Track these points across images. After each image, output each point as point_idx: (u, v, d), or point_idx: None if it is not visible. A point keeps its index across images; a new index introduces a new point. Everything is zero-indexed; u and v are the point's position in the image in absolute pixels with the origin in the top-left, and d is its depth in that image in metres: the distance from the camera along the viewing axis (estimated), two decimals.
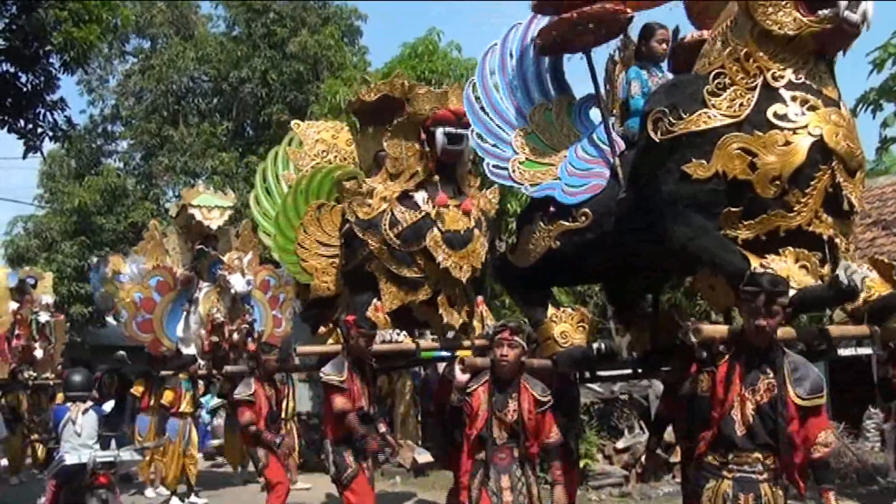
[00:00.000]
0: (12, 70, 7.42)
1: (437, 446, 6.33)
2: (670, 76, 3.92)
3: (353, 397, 4.41)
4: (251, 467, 8.87)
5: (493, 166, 3.93)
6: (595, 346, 3.92)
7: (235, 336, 7.14)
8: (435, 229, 4.56)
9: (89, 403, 5.32)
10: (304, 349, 5.23)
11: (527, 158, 3.90)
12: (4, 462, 9.99)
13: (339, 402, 4.34)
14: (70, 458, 4.93)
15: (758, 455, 2.71)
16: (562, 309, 4.06)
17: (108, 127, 18.25)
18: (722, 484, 2.73)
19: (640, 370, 4.47)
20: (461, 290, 4.77)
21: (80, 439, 5.12)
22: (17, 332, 9.77)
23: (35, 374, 9.78)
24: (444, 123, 4.54)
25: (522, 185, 3.87)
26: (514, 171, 3.88)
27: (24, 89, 7.49)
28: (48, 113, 7.63)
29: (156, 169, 16.44)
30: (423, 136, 4.63)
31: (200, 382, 7.85)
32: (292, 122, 6.23)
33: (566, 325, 3.93)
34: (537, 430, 3.56)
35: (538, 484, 3.56)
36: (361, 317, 4.51)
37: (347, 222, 4.85)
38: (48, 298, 10.49)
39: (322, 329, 5.24)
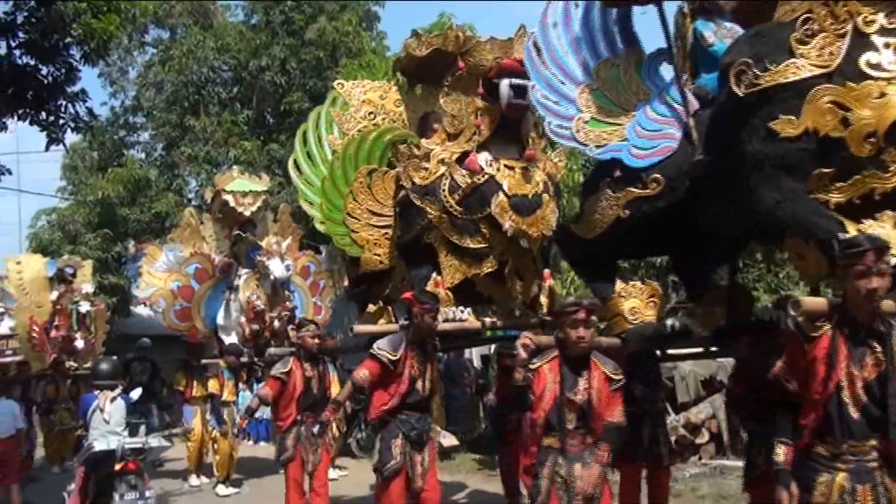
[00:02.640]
0: (33, 62, 7.36)
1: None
2: (739, 29, 3.60)
3: (402, 380, 3.96)
4: None
5: (556, 125, 3.64)
6: (669, 322, 3.65)
7: (277, 324, 6.87)
8: (500, 194, 4.07)
9: (117, 391, 5.30)
10: (362, 328, 4.67)
11: (592, 118, 3.61)
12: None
13: (362, 372, 3.86)
14: (99, 445, 4.93)
15: (873, 442, 2.45)
16: (631, 283, 3.83)
17: (129, 118, 18.27)
18: (837, 477, 2.47)
19: (712, 348, 4.14)
20: (530, 260, 4.33)
21: (109, 426, 5.10)
22: (56, 322, 9.56)
23: (76, 365, 9.53)
24: (511, 74, 4.03)
25: (587, 146, 3.59)
26: (577, 130, 3.59)
27: (45, 81, 7.41)
28: (69, 104, 7.54)
29: (178, 159, 16.36)
30: (485, 89, 4.15)
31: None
32: (336, 83, 5.63)
33: (636, 301, 3.71)
34: (605, 409, 3.23)
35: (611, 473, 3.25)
36: (421, 292, 4.09)
37: (402, 189, 4.38)
38: (88, 287, 10.19)
39: (371, 307, 4.86)
